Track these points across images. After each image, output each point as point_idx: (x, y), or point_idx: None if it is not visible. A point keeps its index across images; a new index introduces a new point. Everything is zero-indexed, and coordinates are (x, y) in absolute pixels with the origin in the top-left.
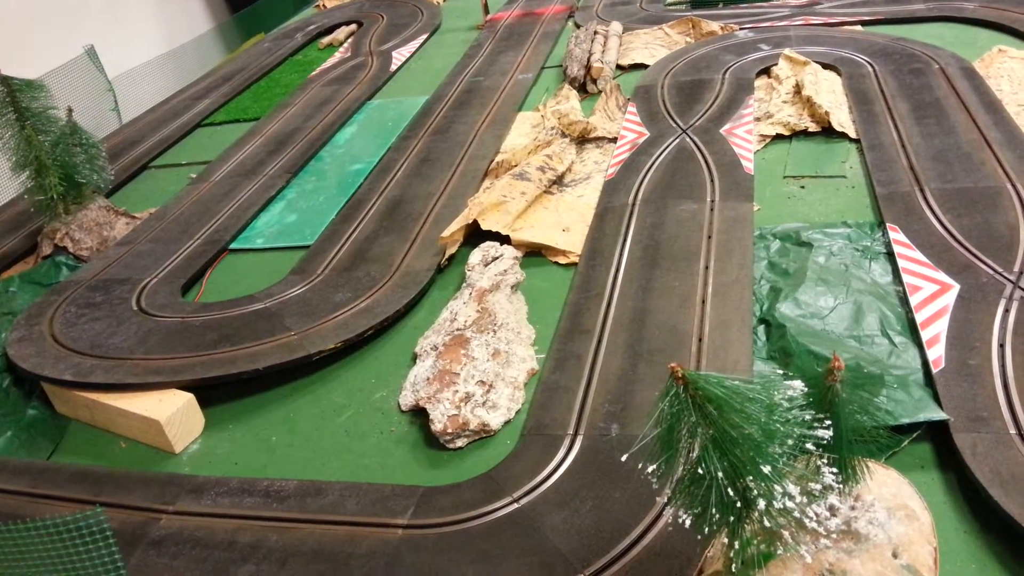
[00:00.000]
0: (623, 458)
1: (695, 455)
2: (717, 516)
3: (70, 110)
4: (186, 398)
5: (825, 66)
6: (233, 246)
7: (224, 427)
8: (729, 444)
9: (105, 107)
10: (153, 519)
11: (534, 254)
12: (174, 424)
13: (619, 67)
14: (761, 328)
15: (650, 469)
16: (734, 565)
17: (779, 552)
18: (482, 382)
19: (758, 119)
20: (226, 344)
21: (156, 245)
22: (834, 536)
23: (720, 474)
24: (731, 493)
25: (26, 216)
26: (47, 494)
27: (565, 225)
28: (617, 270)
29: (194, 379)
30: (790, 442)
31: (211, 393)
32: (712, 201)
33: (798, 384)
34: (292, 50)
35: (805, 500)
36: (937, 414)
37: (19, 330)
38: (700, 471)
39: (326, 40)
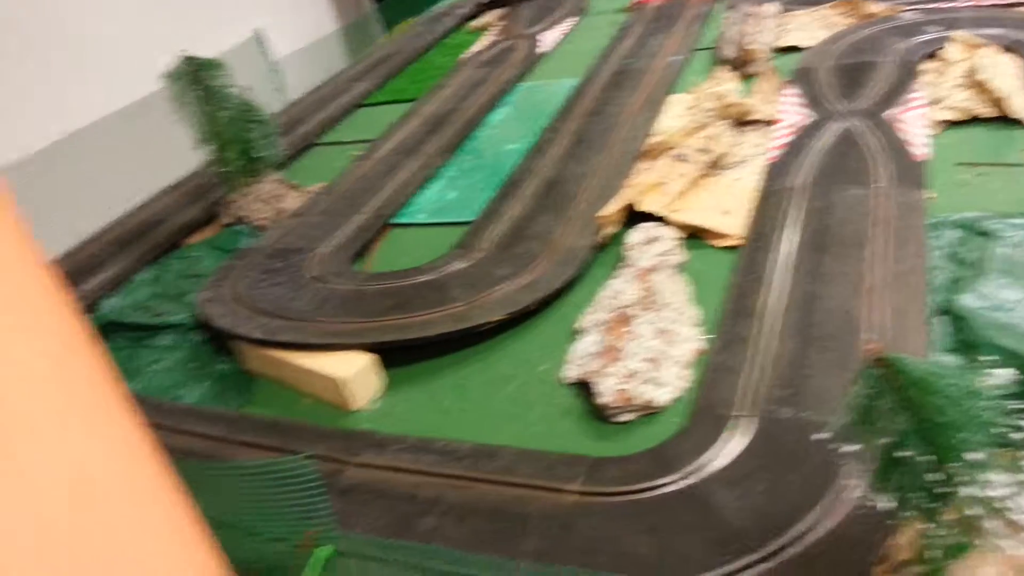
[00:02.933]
0: (814, 437)
1: (892, 439)
2: (916, 502)
3: (246, 88)
4: (367, 359)
5: (1002, 49)
6: (397, 220)
7: (399, 389)
8: (932, 428)
9: (271, 87)
10: (338, 470)
11: (692, 236)
12: (355, 383)
13: (776, 49)
14: (939, 319)
15: (844, 451)
16: (928, 553)
17: (976, 543)
18: (647, 359)
19: (928, 104)
20: (399, 312)
21: (325, 218)
22: None
23: (922, 459)
24: (932, 479)
25: (206, 187)
26: (242, 441)
27: (725, 207)
28: (782, 254)
29: (372, 343)
30: (999, 430)
31: (386, 357)
32: (881, 187)
33: (1006, 372)
34: (443, 33)
35: (1011, 491)
36: None
37: (208, 291)
38: (899, 455)
39: (476, 23)
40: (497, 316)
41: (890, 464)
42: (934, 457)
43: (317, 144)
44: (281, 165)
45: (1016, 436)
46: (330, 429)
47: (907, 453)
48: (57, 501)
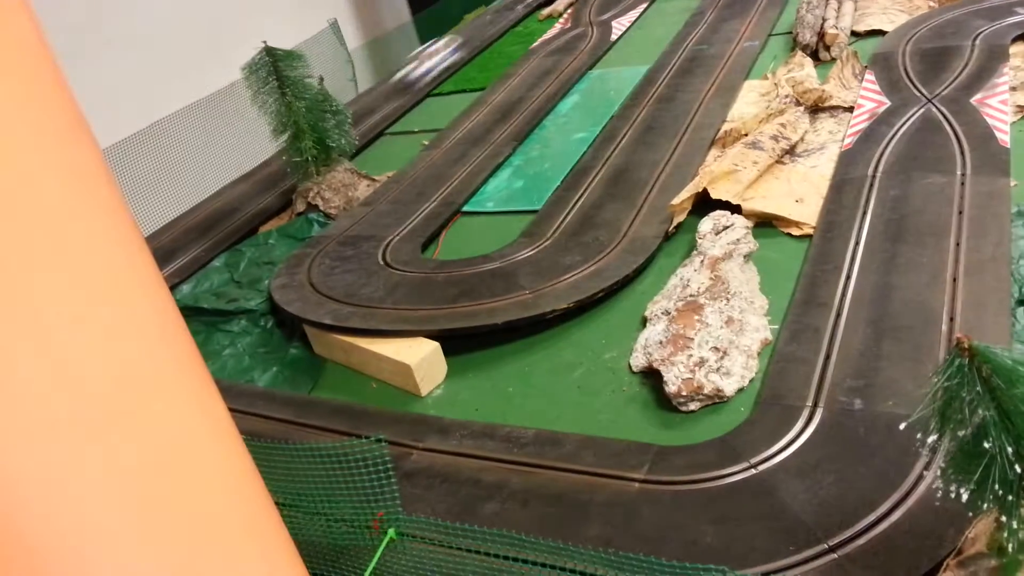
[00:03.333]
0: (901, 426)
1: (973, 430)
2: (994, 494)
3: (321, 79)
4: (433, 346)
5: None
6: (465, 209)
7: (464, 376)
8: (1017, 419)
9: (344, 77)
10: (405, 454)
11: (764, 224)
12: (422, 369)
13: (854, 33)
14: (1021, 310)
15: (927, 440)
16: (1010, 546)
17: None
18: (716, 348)
19: (1014, 88)
20: (466, 299)
21: (396, 206)
22: None
23: (1003, 451)
24: (1013, 471)
25: (278, 176)
26: (311, 424)
27: (798, 196)
28: (857, 243)
29: (439, 329)
30: None
31: (452, 344)
32: (963, 175)
33: None
34: (513, 22)
35: None
36: None
37: (281, 277)
38: (979, 447)
39: (546, 11)
40: (564, 304)
41: (969, 455)
42: (1017, 449)
43: (387, 133)
44: (353, 154)
45: None
46: (397, 414)
47: (988, 445)
48: (149, 468)
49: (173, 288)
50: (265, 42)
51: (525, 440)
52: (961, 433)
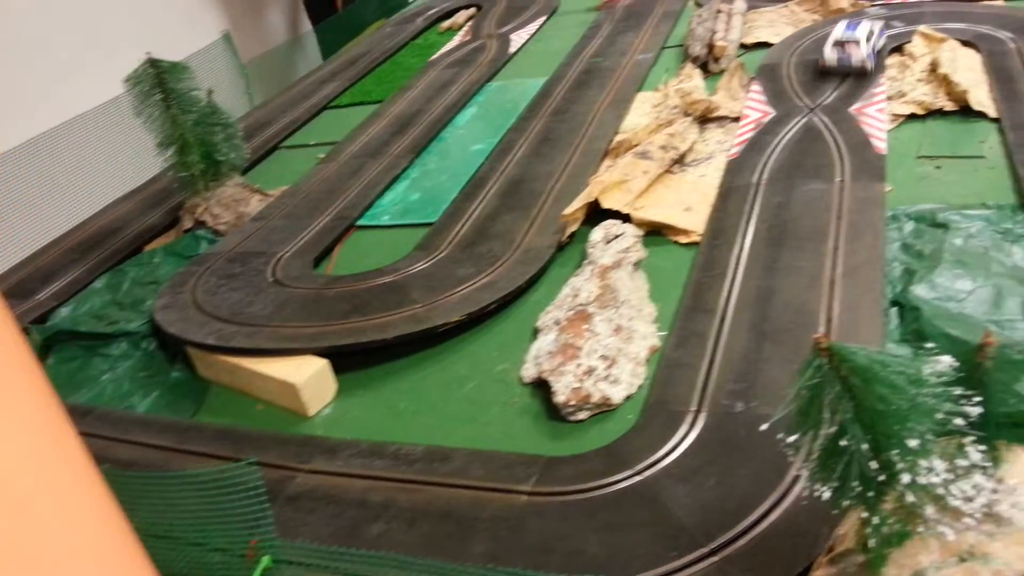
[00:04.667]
0: (762, 427)
1: (835, 428)
2: (857, 490)
3: (210, 91)
4: (321, 364)
5: (964, 43)
6: (360, 223)
7: (354, 393)
8: (873, 416)
9: (237, 90)
10: (289, 476)
11: (655, 233)
12: (309, 388)
13: (743, 46)
14: (893, 310)
15: (789, 440)
16: (870, 542)
17: (918, 531)
18: (604, 357)
19: (890, 98)
20: (357, 315)
21: (288, 221)
22: (976, 517)
23: (864, 446)
24: (873, 467)
25: (166, 192)
26: (192, 450)
27: (687, 204)
28: (741, 249)
29: (327, 347)
30: (938, 416)
31: (342, 361)
32: (841, 181)
33: (947, 359)
34: (413, 34)
35: (950, 477)
36: None
37: (164, 298)
38: (842, 443)
39: (446, 24)
40: (456, 316)
41: (831, 454)
42: (875, 446)
43: (282, 147)
44: (245, 169)
45: (959, 423)
46: (282, 436)
47: (847, 443)
48: None
49: (51, 312)
50: (149, 53)
51: (414, 457)
52: (823, 432)
